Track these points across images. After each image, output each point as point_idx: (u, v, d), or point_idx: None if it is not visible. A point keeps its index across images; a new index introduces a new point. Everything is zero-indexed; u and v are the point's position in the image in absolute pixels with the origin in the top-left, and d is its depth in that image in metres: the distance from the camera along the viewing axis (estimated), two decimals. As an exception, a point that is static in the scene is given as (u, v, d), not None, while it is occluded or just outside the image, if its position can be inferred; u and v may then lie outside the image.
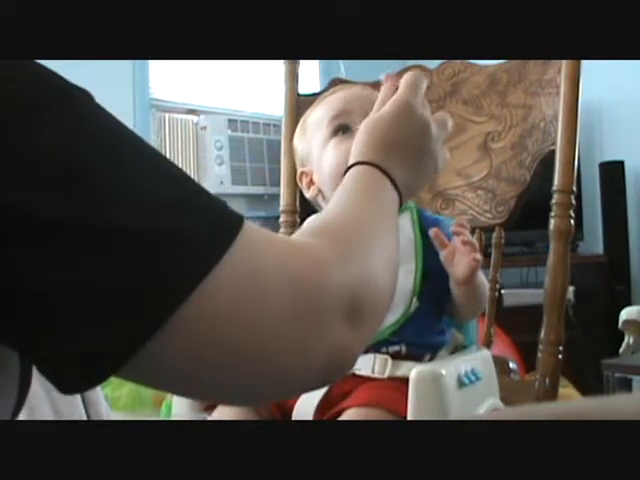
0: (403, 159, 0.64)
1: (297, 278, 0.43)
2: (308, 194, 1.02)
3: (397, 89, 0.69)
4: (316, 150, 0.98)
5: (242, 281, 0.41)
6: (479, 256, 0.87)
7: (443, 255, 0.89)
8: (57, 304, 0.36)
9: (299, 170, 1.04)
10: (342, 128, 0.95)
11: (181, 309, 0.38)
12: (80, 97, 0.40)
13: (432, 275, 0.93)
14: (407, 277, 0.92)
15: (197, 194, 0.43)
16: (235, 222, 0.42)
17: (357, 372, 0.89)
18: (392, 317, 0.90)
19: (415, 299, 0.92)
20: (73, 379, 0.38)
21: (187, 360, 0.40)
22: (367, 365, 0.89)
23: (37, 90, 0.38)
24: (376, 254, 0.52)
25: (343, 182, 0.61)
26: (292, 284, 0.43)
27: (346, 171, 0.63)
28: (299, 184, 1.05)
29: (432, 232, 0.90)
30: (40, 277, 0.35)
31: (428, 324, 0.94)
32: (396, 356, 0.90)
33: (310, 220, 1.05)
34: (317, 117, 0.99)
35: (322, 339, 0.44)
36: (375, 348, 0.90)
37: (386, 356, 0.89)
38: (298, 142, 1.04)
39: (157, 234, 0.38)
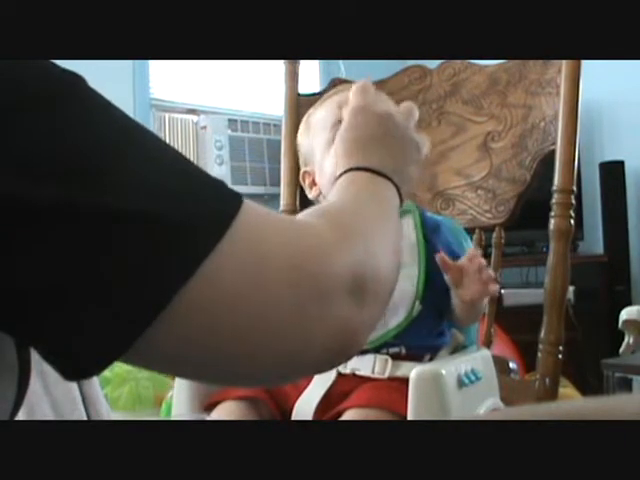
0: (377, 150, 0.65)
1: (298, 258, 0.43)
2: (310, 194, 1.02)
3: None
4: (319, 152, 0.98)
5: (242, 263, 0.40)
6: (497, 287, 0.88)
7: (448, 278, 0.89)
8: (57, 293, 0.36)
9: (302, 169, 1.04)
10: None
11: (179, 295, 0.38)
12: (77, 83, 0.40)
13: (433, 279, 0.93)
14: (410, 281, 0.92)
15: (194, 175, 0.42)
16: (233, 203, 0.42)
17: (357, 372, 0.89)
18: (395, 320, 0.91)
19: (418, 303, 0.92)
20: (75, 366, 0.38)
21: (190, 345, 0.40)
22: (367, 365, 0.89)
23: (36, 79, 0.38)
24: (377, 237, 0.52)
25: (333, 189, 0.61)
26: (294, 264, 0.42)
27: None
28: (302, 183, 1.04)
29: (438, 258, 0.90)
30: (39, 267, 0.35)
31: (429, 327, 0.94)
32: (396, 357, 0.90)
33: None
34: (320, 118, 0.99)
35: (326, 318, 0.44)
36: (375, 349, 0.90)
37: (386, 357, 0.89)
38: (302, 140, 1.04)
39: (154, 219, 0.38)
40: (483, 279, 0.87)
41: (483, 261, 0.89)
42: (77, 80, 0.40)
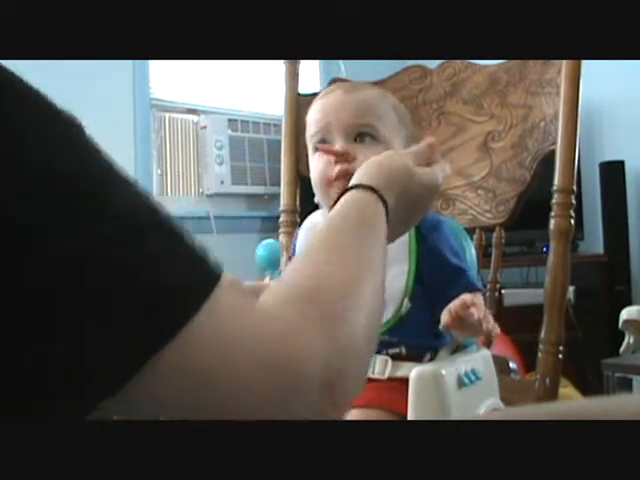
0: (401, 219, 0.65)
1: (270, 350, 0.41)
2: (316, 199, 1.03)
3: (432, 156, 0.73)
4: (310, 156, 1.00)
5: (216, 338, 0.39)
6: (498, 330, 0.85)
7: (444, 323, 0.85)
8: (22, 332, 0.35)
9: None
10: (320, 143, 0.96)
11: (139, 374, 0.37)
12: (80, 132, 0.40)
13: (427, 278, 0.92)
14: (399, 278, 0.91)
15: (181, 239, 0.41)
16: (214, 274, 0.41)
17: None
18: (383, 317, 0.90)
19: (407, 300, 0.91)
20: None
21: (159, 408, 0.39)
22: None
23: (32, 116, 0.38)
24: (362, 312, 0.49)
25: (341, 207, 0.60)
26: (264, 357, 0.41)
27: (347, 190, 0.62)
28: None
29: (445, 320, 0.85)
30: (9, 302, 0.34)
31: (424, 325, 0.93)
32: (396, 357, 0.90)
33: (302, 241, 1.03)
34: (307, 125, 1.00)
35: (295, 409, 0.42)
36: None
37: (386, 357, 0.89)
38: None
39: (136, 277, 0.37)
40: (482, 328, 0.83)
41: (477, 313, 0.82)
42: (80, 128, 0.40)
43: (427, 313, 0.93)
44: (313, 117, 0.97)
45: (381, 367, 0.89)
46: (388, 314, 0.90)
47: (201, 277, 0.41)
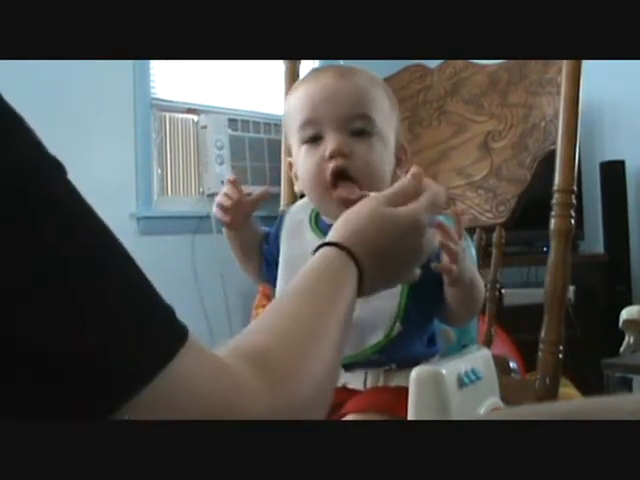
0: (383, 270, 0.65)
1: (222, 409, 0.43)
2: (296, 187, 0.95)
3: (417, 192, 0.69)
4: (294, 146, 0.91)
5: (167, 407, 0.41)
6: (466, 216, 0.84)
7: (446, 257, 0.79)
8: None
9: (287, 157, 0.97)
10: (311, 139, 0.86)
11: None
12: (54, 180, 0.39)
13: (421, 290, 0.84)
14: (391, 300, 0.86)
15: (146, 301, 0.42)
16: (174, 342, 0.42)
17: (348, 386, 0.87)
18: (373, 339, 0.86)
19: (398, 323, 0.86)
20: None
21: None
22: (358, 380, 0.87)
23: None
24: (310, 379, 0.51)
25: (310, 266, 0.61)
26: (217, 413, 0.42)
27: (319, 247, 0.63)
28: (289, 173, 0.97)
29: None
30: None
31: (417, 341, 0.89)
32: (387, 372, 0.88)
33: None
34: (290, 112, 0.89)
35: None
36: (364, 368, 0.87)
37: (378, 371, 0.87)
38: (284, 120, 0.96)
39: (92, 351, 0.38)
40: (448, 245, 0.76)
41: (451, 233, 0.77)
42: (56, 176, 0.39)
43: (421, 327, 0.90)
44: (300, 105, 0.86)
45: (373, 380, 0.87)
46: (379, 336, 0.86)
47: (169, 339, 0.42)
